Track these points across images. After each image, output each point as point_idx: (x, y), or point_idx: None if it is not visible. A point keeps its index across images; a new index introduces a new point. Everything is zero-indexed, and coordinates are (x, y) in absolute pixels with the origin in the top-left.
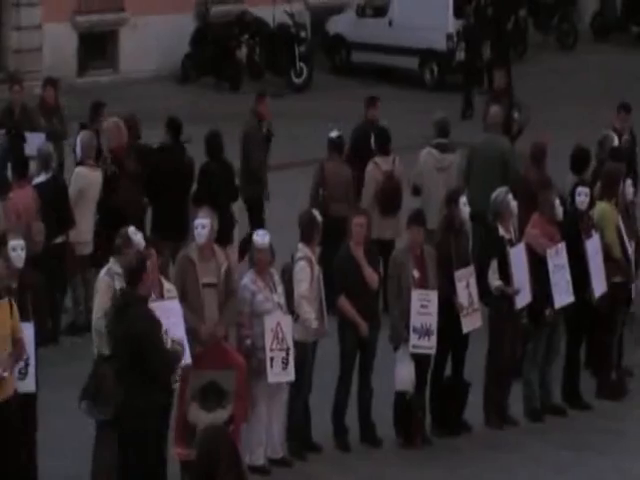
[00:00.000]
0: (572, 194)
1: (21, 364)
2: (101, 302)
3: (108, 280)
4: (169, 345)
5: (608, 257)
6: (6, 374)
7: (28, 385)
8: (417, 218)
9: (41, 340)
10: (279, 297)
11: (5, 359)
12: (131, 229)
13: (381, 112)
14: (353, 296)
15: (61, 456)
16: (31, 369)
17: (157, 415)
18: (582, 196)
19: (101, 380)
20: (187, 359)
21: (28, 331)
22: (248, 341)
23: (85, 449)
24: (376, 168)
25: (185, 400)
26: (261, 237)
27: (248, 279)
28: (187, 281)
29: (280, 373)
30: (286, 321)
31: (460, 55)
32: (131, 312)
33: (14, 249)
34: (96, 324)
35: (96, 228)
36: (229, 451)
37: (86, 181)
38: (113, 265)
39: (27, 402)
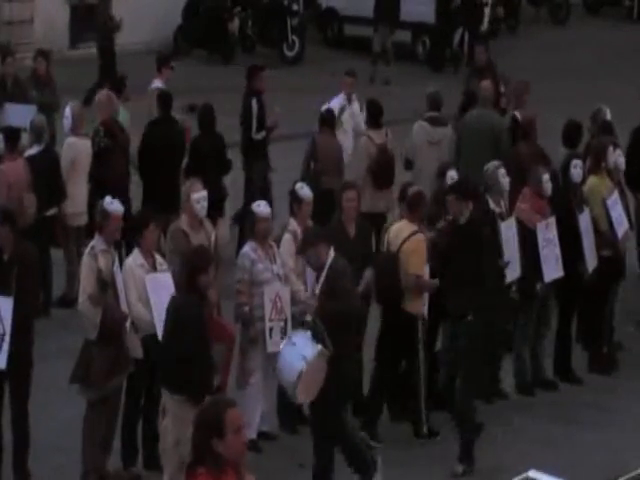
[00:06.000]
0: (564, 168)
1: None
2: (85, 285)
3: (90, 262)
4: None
5: (595, 230)
6: None
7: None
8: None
9: (33, 312)
10: (278, 268)
11: None
12: (106, 200)
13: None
14: None
15: (53, 427)
16: (5, 345)
17: None
18: (577, 168)
19: (89, 364)
20: None
21: (6, 306)
22: (246, 308)
23: (77, 420)
24: (369, 141)
25: None
26: (262, 207)
27: (249, 247)
28: (184, 252)
29: (279, 342)
30: (284, 292)
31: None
32: None
33: None
34: (81, 307)
35: (89, 199)
36: None
37: (77, 150)
38: (96, 242)
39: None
